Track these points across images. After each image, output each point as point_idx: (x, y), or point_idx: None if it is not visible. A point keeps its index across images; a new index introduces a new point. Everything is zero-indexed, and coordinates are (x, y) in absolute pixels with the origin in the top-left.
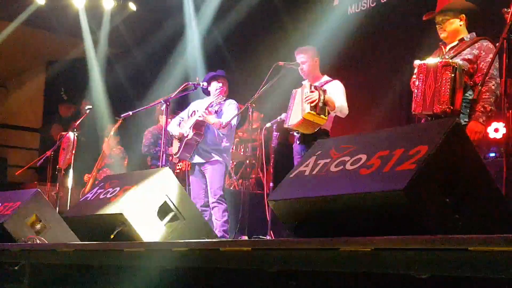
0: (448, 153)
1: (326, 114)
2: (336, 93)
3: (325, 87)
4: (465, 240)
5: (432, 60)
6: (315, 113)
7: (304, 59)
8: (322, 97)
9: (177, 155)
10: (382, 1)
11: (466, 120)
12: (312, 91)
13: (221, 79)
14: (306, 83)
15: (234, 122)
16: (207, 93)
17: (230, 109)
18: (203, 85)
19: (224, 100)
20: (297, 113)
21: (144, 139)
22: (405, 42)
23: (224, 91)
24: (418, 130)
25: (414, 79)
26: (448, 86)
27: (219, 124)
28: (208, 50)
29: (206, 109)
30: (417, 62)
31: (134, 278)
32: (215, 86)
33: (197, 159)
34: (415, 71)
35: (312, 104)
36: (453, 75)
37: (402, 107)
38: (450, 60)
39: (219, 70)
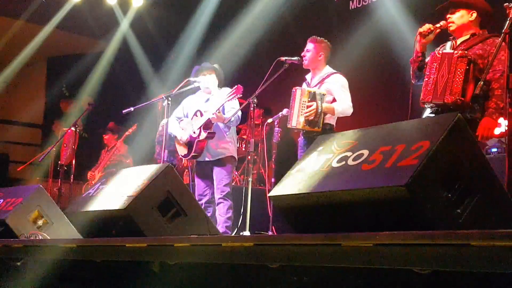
0: (450, 148)
1: (321, 124)
2: (337, 91)
3: (326, 82)
4: (467, 235)
5: (446, 50)
6: (309, 127)
7: (310, 48)
8: (319, 109)
9: (188, 157)
10: None
11: (472, 114)
12: (310, 101)
13: (207, 72)
14: (305, 88)
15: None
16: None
17: (235, 102)
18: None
19: (235, 89)
20: (295, 117)
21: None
22: (408, 36)
23: (213, 84)
24: (420, 126)
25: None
26: (462, 78)
27: (228, 120)
28: (207, 46)
29: (218, 109)
30: (424, 27)
31: (136, 274)
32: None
33: (207, 157)
34: (421, 29)
35: (308, 119)
36: (467, 67)
37: (405, 102)
38: (466, 52)
39: (204, 62)
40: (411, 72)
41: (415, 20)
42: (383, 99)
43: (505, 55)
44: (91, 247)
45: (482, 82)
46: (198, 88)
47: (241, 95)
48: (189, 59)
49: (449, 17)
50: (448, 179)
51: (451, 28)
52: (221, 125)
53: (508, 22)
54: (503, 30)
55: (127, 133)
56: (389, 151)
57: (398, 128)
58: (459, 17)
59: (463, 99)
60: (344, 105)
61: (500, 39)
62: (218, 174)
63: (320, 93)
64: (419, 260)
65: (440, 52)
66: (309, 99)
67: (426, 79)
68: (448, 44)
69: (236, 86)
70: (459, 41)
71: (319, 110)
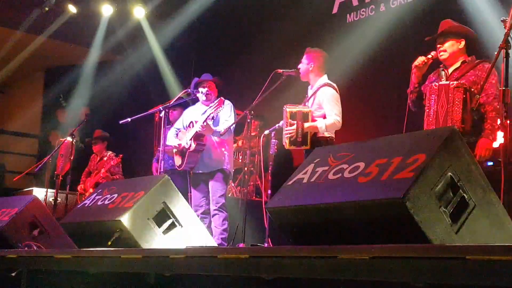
0: (446, 161)
1: (308, 142)
2: (325, 105)
3: (317, 95)
4: (463, 249)
5: (442, 82)
6: (294, 147)
7: (303, 60)
8: (300, 130)
9: (182, 167)
10: (381, 10)
11: (474, 138)
12: (292, 123)
13: (206, 84)
14: (287, 108)
15: (231, 121)
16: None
17: (226, 111)
18: (201, 92)
19: (217, 103)
20: (283, 136)
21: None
22: (405, 50)
23: (211, 94)
24: (416, 139)
25: (416, 83)
26: (460, 106)
27: (218, 132)
28: (206, 57)
29: (204, 121)
30: (419, 60)
31: (131, 286)
32: (201, 92)
33: (201, 169)
34: (416, 63)
35: (291, 140)
36: (464, 96)
37: (402, 115)
38: (461, 82)
39: (204, 74)
40: (408, 101)
41: (411, 34)
42: (380, 111)
43: (495, 78)
44: (86, 258)
45: (478, 96)
46: (198, 99)
47: (222, 107)
48: (187, 70)
49: (440, 47)
50: (444, 192)
51: (443, 57)
52: (214, 138)
53: (504, 36)
54: (499, 44)
55: (112, 163)
56: (385, 163)
57: (394, 141)
58: (449, 46)
59: (463, 125)
60: (329, 121)
61: (489, 64)
62: (212, 186)
63: (303, 112)
64: (414, 273)
65: (437, 84)
66: (291, 119)
67: (427, 110)
68: (442, 73)
69: (218, 99)
70: (450, 69)
71: (300, 130)
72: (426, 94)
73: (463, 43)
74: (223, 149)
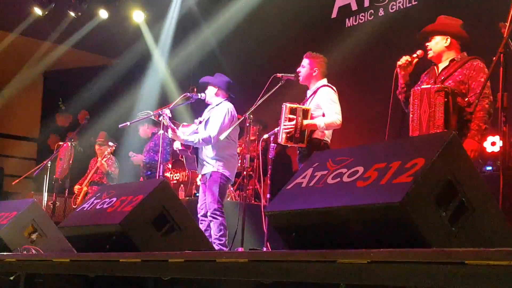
0: (445, 166)
1: (305, 139)
2: (324, 104)
3: (316, 95)
4: (462, 254)
5: (424, 85)
6: (292, 143)
7: (305, 63)
8: (299, 126)
9: (186, 168)
10: (380, 14)
11: (463, 139)
12: (291, 118)
13: (208, 85)
14: (285, 105)
15: (220, 123)
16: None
17: (217, 114)
18: (201, 96)
19: (217, 104)
20: (280, 132)
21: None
22: (403, 55)
23: (212, 97)
24: (415, 143)
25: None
26: (442, 111)
27: (187, 141)
28: (206, 61)
29: (171, 129)
30: (402, 60)
31: None
32: (200, 96)
33: (199, 171)
34: (399, 62)
35: (288, 135)
36: (446, 99)
37: (399, 120)
38: (443, 85)
39: (217, 74)
40: (401, 104)
41: (410, 39)
42: (378, 116)
43: (484, 76)
44: (84, 262)
45: (477, 101)
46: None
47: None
48: (188, 73)
49: (427, 45)
50: (442, 197)
51: (430, 55)
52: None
53: (503, 41)
54: (498, 50)
55: (106, 153)
56: (384, 168)
57: (393, 146)
58: (434, 44)
59: (446, 130)
60: (328, 119)
61: (478, 61)
62: (207, 189)
63: (302, 108)
64: (413, 278)
65: (419, 88)
66: (291, 115)
67: (411, 115)
68: (430, 71)
69: (221, 101)
70: (440, 67)
71: (299, 126)
72: (410, 98)
73: (449, 40)
74: (217, 153)
